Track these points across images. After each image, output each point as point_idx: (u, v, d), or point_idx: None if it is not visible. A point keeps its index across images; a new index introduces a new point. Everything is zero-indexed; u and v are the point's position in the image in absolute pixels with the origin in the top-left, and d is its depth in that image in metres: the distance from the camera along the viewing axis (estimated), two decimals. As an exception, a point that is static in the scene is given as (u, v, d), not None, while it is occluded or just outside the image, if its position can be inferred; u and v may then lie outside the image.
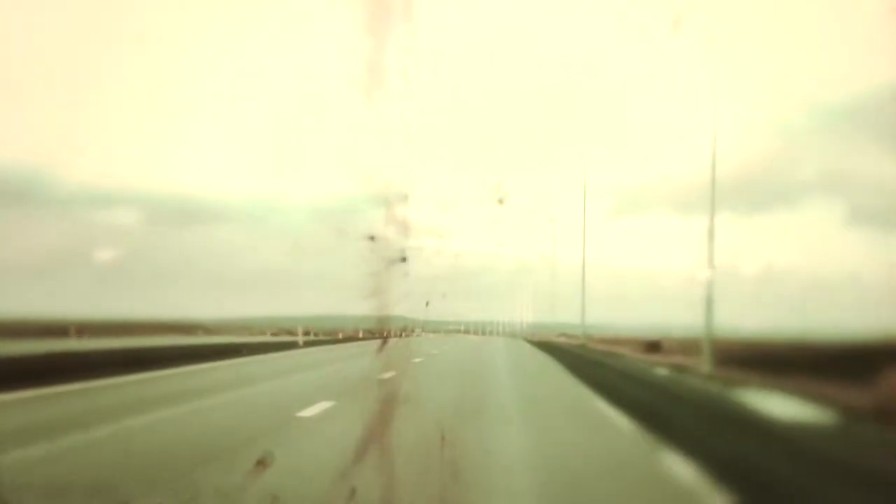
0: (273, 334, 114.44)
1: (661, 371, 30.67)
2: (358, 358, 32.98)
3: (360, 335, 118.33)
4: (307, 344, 52.52)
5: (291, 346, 53.11)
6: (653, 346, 53.09)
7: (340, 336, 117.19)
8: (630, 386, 25.43)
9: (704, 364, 24.12)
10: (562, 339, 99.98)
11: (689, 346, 45.08)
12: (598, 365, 38.11)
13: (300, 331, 66.72)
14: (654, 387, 25.71)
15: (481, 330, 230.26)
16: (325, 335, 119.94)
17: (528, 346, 75.66)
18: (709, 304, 24.29)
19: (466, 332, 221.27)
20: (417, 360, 31.92)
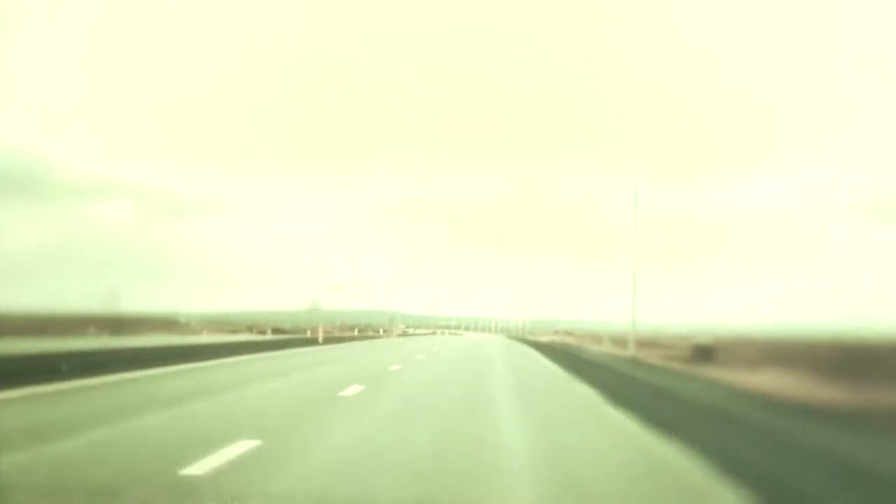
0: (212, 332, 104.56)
1: None
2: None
3: (320, 337, 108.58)
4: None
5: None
6: (703, 353, 44.32)
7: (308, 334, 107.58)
8: None
9: None
10: (569, 339, 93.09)
11: (754, 355, 37.43)
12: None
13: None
14: None
15: (473, 326, 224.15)
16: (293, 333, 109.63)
17: (542, 357, 53.86)
18: None
19: (458, 328, 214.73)
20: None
